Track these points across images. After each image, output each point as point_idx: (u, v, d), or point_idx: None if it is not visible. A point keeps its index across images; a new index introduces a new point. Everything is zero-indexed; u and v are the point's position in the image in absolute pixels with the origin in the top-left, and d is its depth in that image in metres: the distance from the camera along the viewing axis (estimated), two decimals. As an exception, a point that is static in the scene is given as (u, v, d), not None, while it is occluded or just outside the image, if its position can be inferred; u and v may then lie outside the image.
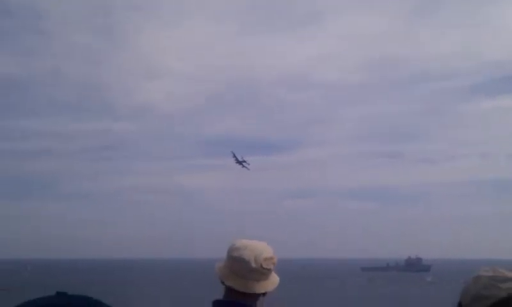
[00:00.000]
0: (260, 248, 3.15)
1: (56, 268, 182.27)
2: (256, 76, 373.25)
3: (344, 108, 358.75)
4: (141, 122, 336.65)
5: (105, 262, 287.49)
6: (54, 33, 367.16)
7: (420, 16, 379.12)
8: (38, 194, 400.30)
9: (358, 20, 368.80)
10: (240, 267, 3.11)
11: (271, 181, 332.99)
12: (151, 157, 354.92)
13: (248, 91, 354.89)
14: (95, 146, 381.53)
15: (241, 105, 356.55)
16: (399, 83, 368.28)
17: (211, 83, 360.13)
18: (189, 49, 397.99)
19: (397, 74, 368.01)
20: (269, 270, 3.14)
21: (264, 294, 3.16)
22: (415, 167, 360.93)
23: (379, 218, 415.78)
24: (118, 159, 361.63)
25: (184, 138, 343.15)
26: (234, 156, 67.74)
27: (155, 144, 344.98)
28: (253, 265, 3.08)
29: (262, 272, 3.11)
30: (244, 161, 67.98)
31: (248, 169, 68.53)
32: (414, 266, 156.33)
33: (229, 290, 3.15)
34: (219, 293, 3.23)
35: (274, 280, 3.18)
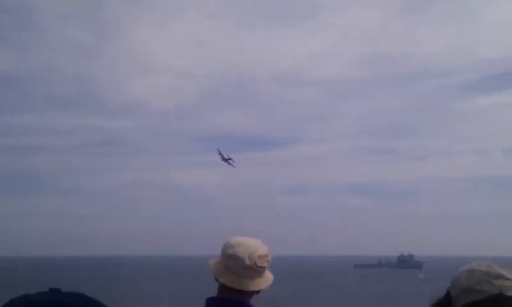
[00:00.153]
0: (254, 246, 3.14)
1: (52, 265, 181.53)
2: (254, 72, 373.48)
3: (342, 104, 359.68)
4: (138, 118, 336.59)
5: (102, 259, 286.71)
6: (48, 28, 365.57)
7: (415, 12, 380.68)
8: (34, 190, 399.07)
9: (355, 16, 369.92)
10: (234, 264, 3.09)
11: (267, 177, 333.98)
12: (148, 153, 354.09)
13: (246, 87, 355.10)
14: (92, 142, 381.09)
15: (239, 101, 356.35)
16: (395, 80, 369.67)
17: (209, 79, 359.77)
18: (187, 44, 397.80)
19: (394, 71, 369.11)
20: (263, 268, 3.13)
21: (257, 292, 3.15)
22: (410, 164, 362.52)
23: (374, 215, 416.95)
24: (115, 155, 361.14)
25: (182, 134, 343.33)
26: (220, 153, 68.11)
27: (153, 140, 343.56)
28: (247, 262, 3.07)
29: (256, 270, 3.10)
30: (230, 158, 68.49)
31: (234, 167, 69.03)
32: (406, 263, 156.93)
33: (223, 287, 3.14)
34: (214, 291, 3.23)
35: (268, 278, 3.17)
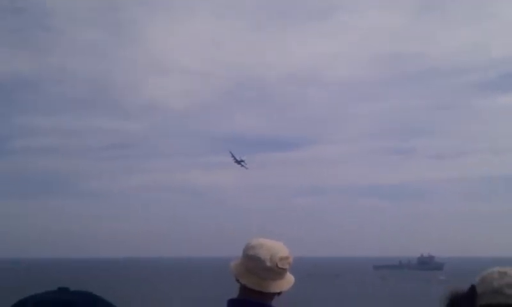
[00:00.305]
0: (276, 247, 3.15)
1: (65, 266, 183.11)
2: (267, 72, 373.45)
3: (359, 104, 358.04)
4: (154, 119, 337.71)
5: (116, 261, 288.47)
6: (64, 30, 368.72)
7: (432, 12, 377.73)
8: (50, 191, 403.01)
9: (372, 16, 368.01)
10: (255, 265, 3.11)
11: (283, 178, 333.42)
12: (164, 155, 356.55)
13: (262, 87, 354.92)
14: (108, 144, 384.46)
15: (255, 102, 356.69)
16: (412, 79, 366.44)
17: (222, 80, 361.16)
18: (202, 45, 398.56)
19: (411, 70, 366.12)
20: (285, 270, 3.14)
21: (279, 293, 3.16)
22: (428, 163, 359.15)
23: (392, 215, 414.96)
24: (131, 157, 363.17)
25: (197, 135, 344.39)
26: (233, 156, 68.43)
27: (168, 141, 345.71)
28: (268, 264, 3.08)
29: (277, 272, 3.10)
30: (242, 160, 68.76)
31: (246, 168, 69.17)
32: (427, 264, 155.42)
33: (244, 289, 3.16)
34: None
35: (289, 279, 3.18)
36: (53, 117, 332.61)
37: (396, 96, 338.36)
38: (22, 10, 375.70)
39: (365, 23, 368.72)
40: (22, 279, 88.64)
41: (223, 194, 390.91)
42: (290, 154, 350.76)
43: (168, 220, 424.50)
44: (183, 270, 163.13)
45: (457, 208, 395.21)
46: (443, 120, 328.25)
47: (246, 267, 3.14)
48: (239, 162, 68.47)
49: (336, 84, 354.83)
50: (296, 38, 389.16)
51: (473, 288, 2.42)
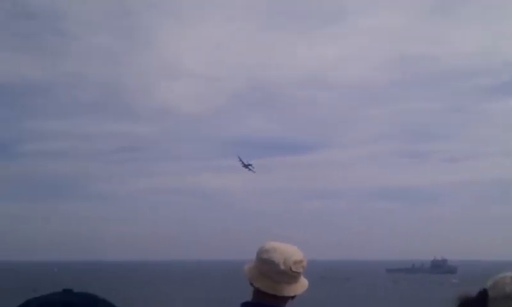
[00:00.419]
0: (290, 251, 3.16)
1: (75, 269, 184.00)
2: (280, 75, 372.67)
3: (370, 107, 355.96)
4: (165, 123, 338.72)
5: (124, 263, 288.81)
6: (76, 35, 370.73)
7: (443, 14, 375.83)
8: (57, 195, 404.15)
9: (383, 18, 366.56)
10: (269, 269, 3.12)
11: (294, 181, 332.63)
12: (175, 158, 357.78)
13: (270, 91, 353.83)
14: (116, 147, 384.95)
15: (266, 105, 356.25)
16: (424, 82, 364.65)
17: (232, 83, 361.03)
18: (210, 49, 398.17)
19: (423, 73, 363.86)
20: (299, 274, 3.15)
21: (292, 297, 3.17)
22: (440, 166, 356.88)
23: (404, 218, 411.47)
24: (141, 160, 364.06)
25: (208, 139, 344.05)
26: (240, 160, 69.36)
27: (179, 145, 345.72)
28: (282, 267, 3.09)
29: (291, 275, 3.12)
30: (250, 164, 69.74)
31: (254, 172, 70.11)
32: (440, 267, 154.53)
33: (258, 292, 3.17)
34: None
35: (303, 283, 3.19)
36: (64, 121, 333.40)
37: (407, 99, 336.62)
38: (35, 15, 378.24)
39: (377, 25, 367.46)
40: (31, 281, 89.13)
41: (233, 198, 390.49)
42: (300, 157, 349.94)
43: (178, 223, 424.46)
44: (191, 272, 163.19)
45: (470, 211, 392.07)
46: (455, 123, 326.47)
47: (260, 271, 3.15)
48: (246, 166, 69.41)
49: (347, 87, 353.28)
50: (306, 40, 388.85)
51: (484, 293, 2.40)
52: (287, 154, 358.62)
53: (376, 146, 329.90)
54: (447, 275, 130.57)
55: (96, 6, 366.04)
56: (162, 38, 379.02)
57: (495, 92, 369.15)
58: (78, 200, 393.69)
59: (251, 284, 3.19)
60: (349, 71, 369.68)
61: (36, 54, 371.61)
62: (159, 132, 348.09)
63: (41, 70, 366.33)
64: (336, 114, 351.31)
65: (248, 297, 3.24)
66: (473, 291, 2.48)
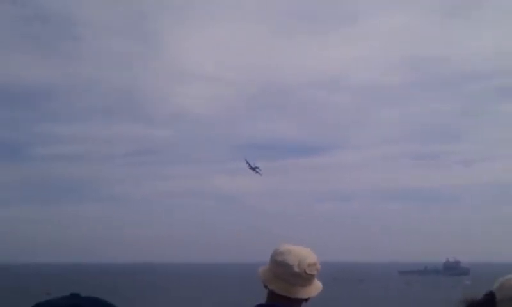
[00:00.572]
0: (304, 254, 3.18)
1: (90, 271, 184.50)
2: (291, 78, 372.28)
3: (384, 109, 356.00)
4: (179, 126, 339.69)
5: (138, 266, 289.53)
6: (90, 39, 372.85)
7: (456, 16, 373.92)
8: (70, 197, 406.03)
9: (393, 21, 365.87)
10: (283, 271, 3.13)
11: (307, 183, 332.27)
12: (189, 161, 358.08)
13: (283, 93, 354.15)
14: (131, 151, 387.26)
15: (279, 108, 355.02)
16: (438, 83, 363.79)
17: (246, 86, 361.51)
18: (223, 52, 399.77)
19: (436, 74, 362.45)
20: (313, 276, 3.17)
21: (306, 300, 3.18)
22: (454, 168, 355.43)
23: (416, 220, 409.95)
24: (156, 163, 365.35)
25: (222, 141, 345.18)
26: (247, 162, 69.67)
27: (193, 148, 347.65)
28: (296, 269, 3.11)
29: (305, 278, 3.14)
30: (257, 167, 70.03)
31: (261, 175, 70.37)
32: (452, 269, 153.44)
33: (272, 294, 3.18)
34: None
35: (317, 286, 3.21)
36: (79, 124, 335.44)
37: (420, 100, 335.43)
38: (49, 18, 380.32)
39: (390, 28, 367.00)
40: (42, 283, 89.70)
41: (247, 200, 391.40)
42: (313, 159, 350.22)
43: (192, 225, 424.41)
44: (206, 275, 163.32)
45: (483, 212, 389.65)
46: (467, 125, 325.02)
47: (274, 273, 3.16)
48: (253, 168, 69.83)
49: (360, 89, 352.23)
50: (319, 42, 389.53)
51: (491, 295, 2.39)
52: (299, 156, 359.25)
53: (388, 147, 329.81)
54: (460, 277, 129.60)
55: (111, 11, 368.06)
56: (176, 42, 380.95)
57: (508, 94, 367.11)
58: (92, 203, 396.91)
59: (266, 286, 3.20)
60: (362, 73, 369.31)
61: (52, 58, 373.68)
62: (174, 135, 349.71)
63: (57, 74, 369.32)
64: (349, 116, 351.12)
65: (262, 299, 3.25)
66: (480, 293, 2.48)
